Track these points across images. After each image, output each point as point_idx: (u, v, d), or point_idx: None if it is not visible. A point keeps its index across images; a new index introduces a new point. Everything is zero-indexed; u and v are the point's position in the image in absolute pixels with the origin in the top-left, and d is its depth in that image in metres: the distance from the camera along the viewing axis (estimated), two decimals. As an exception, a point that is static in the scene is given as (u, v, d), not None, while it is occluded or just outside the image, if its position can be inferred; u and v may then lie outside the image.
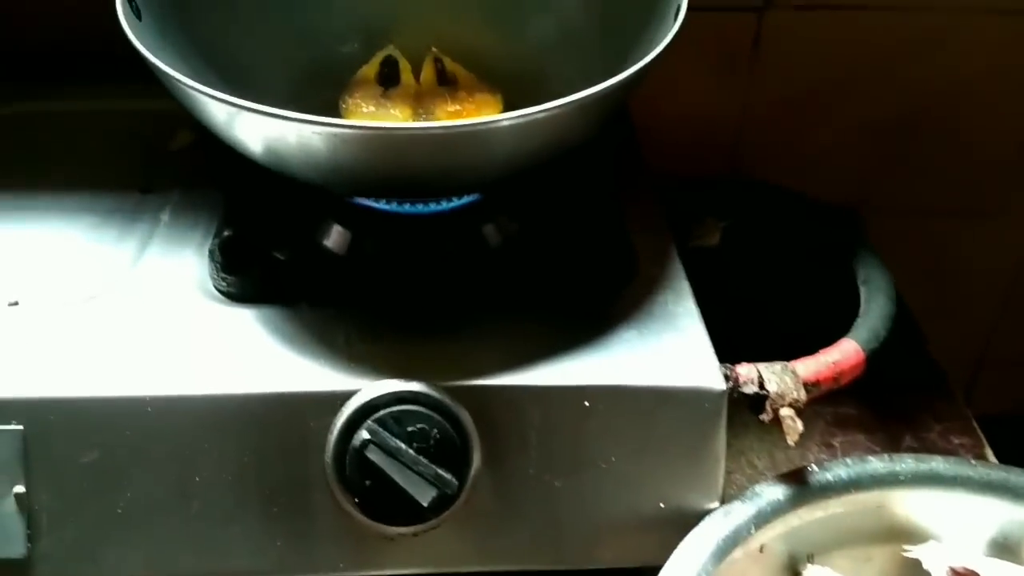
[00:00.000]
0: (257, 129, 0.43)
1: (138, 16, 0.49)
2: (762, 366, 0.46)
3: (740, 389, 0.45)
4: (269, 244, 0.50)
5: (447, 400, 0.43)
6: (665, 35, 0.49)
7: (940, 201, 0.81)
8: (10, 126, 0.63)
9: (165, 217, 0.55)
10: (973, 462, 0.47)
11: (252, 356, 0.45)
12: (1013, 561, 0.45)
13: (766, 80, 0.74)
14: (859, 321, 0.50)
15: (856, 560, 0.47)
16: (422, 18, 0.61)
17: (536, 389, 0.44)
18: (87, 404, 0.43)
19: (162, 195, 0.57)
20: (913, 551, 0.45)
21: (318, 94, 0.58)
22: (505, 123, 0.41)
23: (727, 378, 0.45)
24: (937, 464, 0.47)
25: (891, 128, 0.77)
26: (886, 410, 0.63)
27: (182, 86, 0.43)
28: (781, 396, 0.44)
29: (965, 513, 0.46)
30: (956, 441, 0.60)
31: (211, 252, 0.50)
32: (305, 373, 0.44)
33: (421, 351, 0.46)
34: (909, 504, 0.46)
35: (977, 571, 0.43)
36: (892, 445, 0.61)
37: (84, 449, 0.43)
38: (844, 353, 0.48)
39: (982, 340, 0.89)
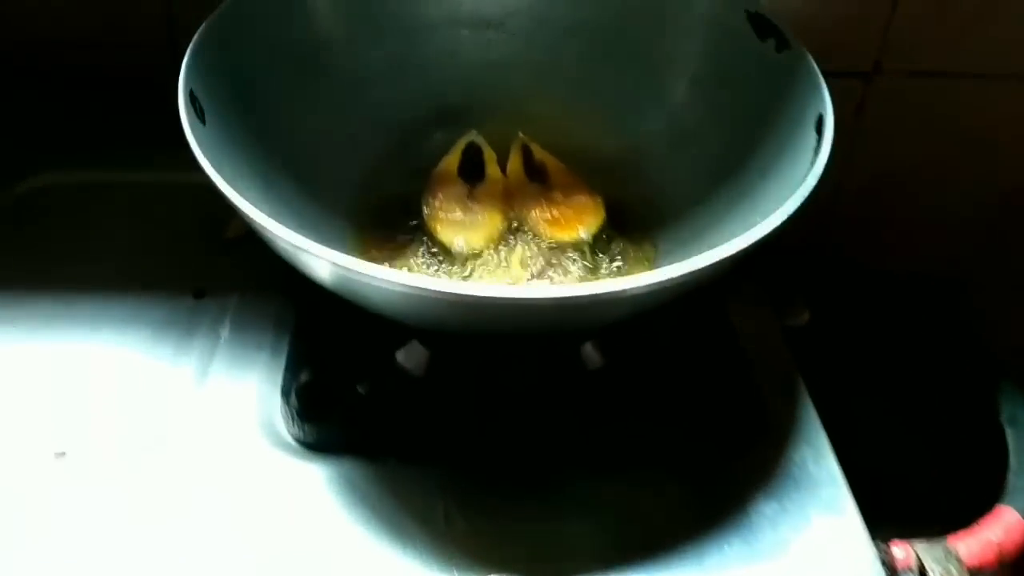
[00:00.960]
0: (333, 274, 0.37)
1: (201, 119, 0.42)
2: (920, 547, 0.41)
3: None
4: (348, 378, 0.44)
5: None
6: (796, 142, 0.43)
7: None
8: (39, 203, 0.57)
9: (225, 332, 0.49)
10: None
11: (339, 536, 0.39)
12: None
13: (867, 149, 0.67)
14: (1015, 482, 0.45)
15: None
16: (507, 100, 0.54)
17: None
18: None
19: (218, 300, 0.50)
20: None
21: (397, 179, 0.52)
22: (641, 287, 0.35)
23: (884, 563, 0.39)
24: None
25: (995, 203, 0.70)
26: None
27: (251, 218, 0.37)
28: (946, 589, 0.39)
29: None
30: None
31: (284, 393, 0.44)
32: (403, 560, 0.39)
33: (526, 534, 0.40)
34: None
35: None
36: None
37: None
38: (1007, 529, 0.42)
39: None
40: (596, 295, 0.34)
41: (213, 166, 0.39)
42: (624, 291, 0.34)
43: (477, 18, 0.55)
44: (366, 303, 0.39)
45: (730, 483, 0.42)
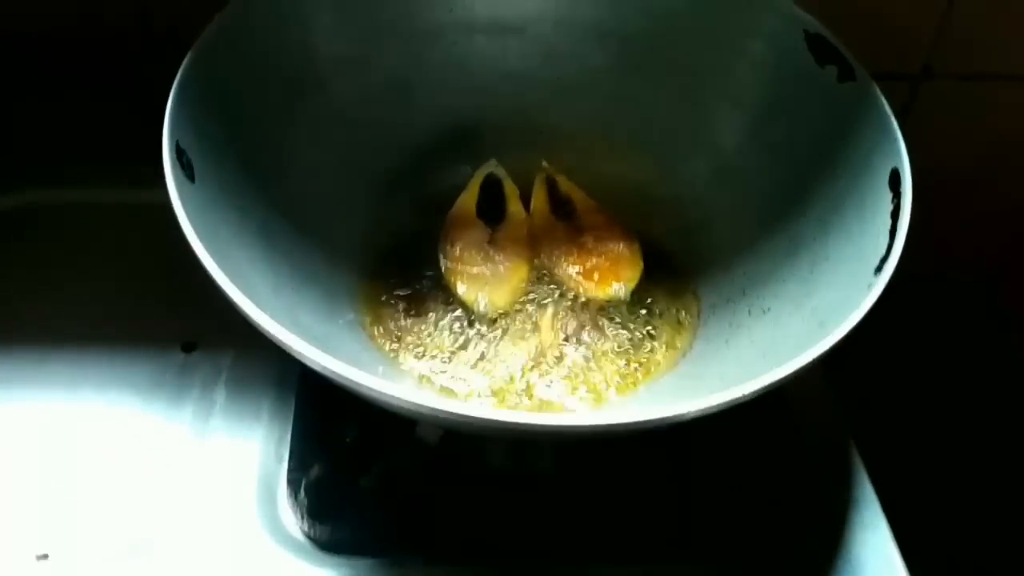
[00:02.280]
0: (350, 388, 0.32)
1: (190, 176, 0.36)
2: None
3: None
4: (361, 461, 0.40)
5: None
6: (863, 193, 0.38)
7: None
8: (8, 227, 0.51)
9: (220, 398, 0.44)
10: None
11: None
12: None
13: (911, 154, 0.63)
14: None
15: None
16: (527, 121, 0.48)
17: None
18: None
19: (211, 356, 0.45)
20: None
21: (408, 215, 0.47)
22: (686, 414, 0.30)
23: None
24: None
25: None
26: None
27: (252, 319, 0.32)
28: None
29: None
30: None
31: (291, 484, 0.39)
32: None
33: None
34: None
35: None
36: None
37: None
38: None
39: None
40: (637, 422, 0.30)
41: (204, 239, 0.33)
42: (667, 418, 0.30)
43: (493, 23, 0.48)
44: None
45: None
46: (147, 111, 0.42)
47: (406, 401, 0.30)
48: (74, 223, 0.51)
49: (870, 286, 0.34)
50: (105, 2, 0.53)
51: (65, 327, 0.46)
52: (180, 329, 0.46)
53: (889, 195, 0.37)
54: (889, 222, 0.36)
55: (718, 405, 0.30)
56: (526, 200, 0.47)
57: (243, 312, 0.32)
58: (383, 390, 0.30)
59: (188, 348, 0.46)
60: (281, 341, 0.31)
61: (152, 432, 0.42)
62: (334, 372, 0.30)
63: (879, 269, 0.34)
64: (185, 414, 0.43)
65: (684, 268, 0.45)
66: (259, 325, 0.32)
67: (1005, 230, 0.69)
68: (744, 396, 0.30)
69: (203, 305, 0.45)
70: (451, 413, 0.30)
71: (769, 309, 0.40)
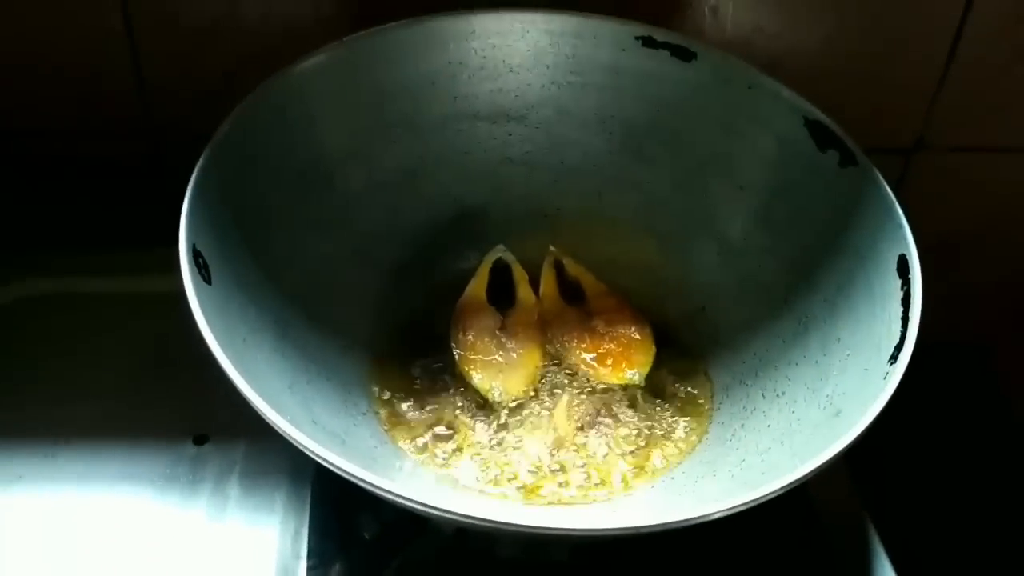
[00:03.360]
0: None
1: (207, 278, 0.37)
2: None
3: None
4: (380, 561, 0.40)
5: None
6: (869, 277, 0.39)
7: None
8: (13, 318, 0.51)
9: (234, 491, 0.43)
10: None
11: None
12: None
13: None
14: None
15: None
16: (532, 205, 0.49)
17: None
18: None
19: (223, 448, 0.45)
20: None
21: (419, 300, 0.47)
22: (711, 514, 0.30)
23: None
24: None
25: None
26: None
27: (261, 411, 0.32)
28: None
29: None
30: None
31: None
32: None
33: None
34: None
35: None
36: None
37: None
38: None
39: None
40: (662, 524, 0.30)
41: (221, 340, 0.34)
42: (692, 519, 0.30)
43: (497, 111, 0.49)
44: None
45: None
46: (150, 202, 0.42)
47: (427, 506, 0.30)
48: (80, 314, 0.51)
49: (886, 376, 0.34)
50: (106, 97, 0.54)
51: (74, 421, 0.46)
52: (192, 421, 0.46)
53: (898, 281, 0.38)
54: (900, 309, 0.37)
55: (743, 504, 0.30)
56: (535, 284, 0.48)
57: (260, 412, 0.32)
58: (402, 493, 0.30)
59: (200, 440, 0.45)
60: (298, 442, 0.31)
61: (166, 525, 0.42)
62: (351, 475, 0.30)
63: (894, 358, 0.35)
64: (199, 507, 0.43)
65: (695, 350, 0.45)
66: (276, 426, 0.32)
67: (1001, 296, 0.70)
68: (769, 494, 0.30)
69: (213, 397, 0.46)
70: (469, 516, 0.30)
71: (784, 392, 0.41)
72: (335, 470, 0.31)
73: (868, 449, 0.53)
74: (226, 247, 0.38)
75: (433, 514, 0.30)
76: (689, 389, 0.43)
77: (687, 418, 0.42)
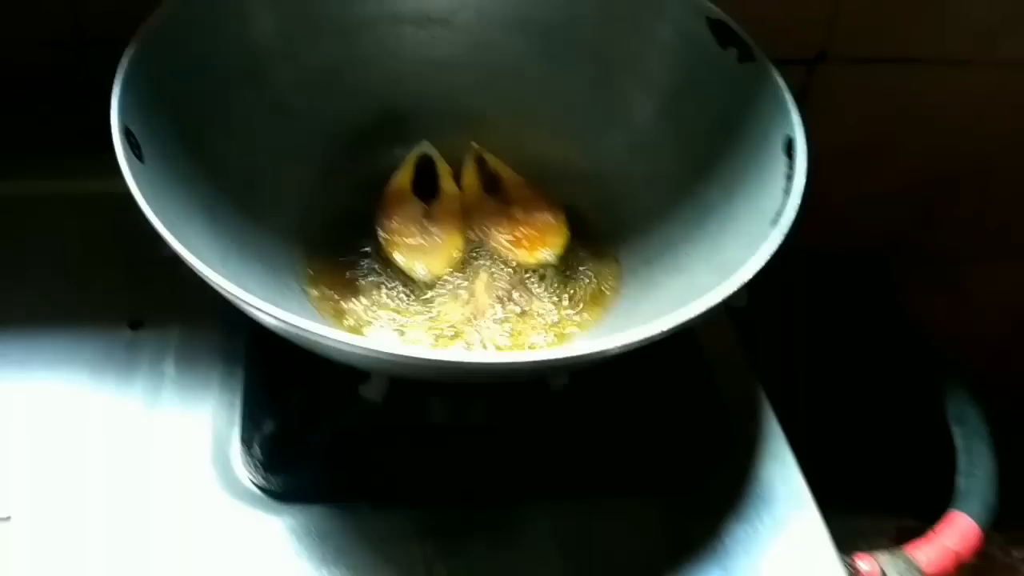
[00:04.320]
0: (296, 337, 0.35)
1: (139, 157, 0.39)
2: (883, 559, 0.42)
3: (864, 590, 0.41)
4: (310, 419, 0.42)
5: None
6: (762, 162, 0.43)
7: (965, 250, 0.78)
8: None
9: (170, 371, 0.46)
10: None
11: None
12: None
13: (807, 133, 0.68)
14: (966, 485, 0.46)
15: None
16: (456, 105, 0.52)
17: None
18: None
19: (157, 333, 0.47)
20: None
21: (346, 194, 0.50)
22: (610, 350, 0.34)
23: (850, 578, 0.41)
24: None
25: (930, 181, 0.72)
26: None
27: (200, 272, 0.34)
28: (910, 601, 0.41)
29: None
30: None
31: (245, 442, 0.42)
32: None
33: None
34: None
35: None
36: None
37: None
38: (962, 536, 0.44)
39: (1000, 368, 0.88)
40: (564, 358, 0.34)
41: (156, 211, 0.36)
42: (589, 354, 0.34)
43: (420, 14, 0.51)
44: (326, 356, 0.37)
45: (699, 504, 0.42)
46: (82, 108, 0.43)
47: (358, 347, 0.32)
48: (15, 214, 0.52)
49: (768, 236, 0.38)
50: (35, 4, 0.54)
51: (10, 308, 0.47)
52: (127, 307, 0.48)
53: (785, 160, 0.42)
54: (784, 183, 0.41)
55: (637, 342, 0.33)
56: (458, 179, 0.50)
57: (199, 272, 0.34)
58: (334, 337, 0.32)
59: (135, 325, 0.47)
60: (236, 296, 0.33)
61: (103, 408, 0.44)
62: (289, 323, 0.33)
63: (775, 222, 0.38)
64: (136, 388, 0.45)
65: (606, 236, 0.48)
66: (214, 282, 0.34)
67: (900, 205, 0.75)
68: (662, 333, 0.34)
69: (149, 284, 0.48)
70: (392, 355, 0.32)
71: (684, 268, 0.45)
72: (271, 320, 0.33)
73: (768, 337, 0.57)
74: (158, 131, 0.40)
75: (366, 356, 0.33)
76: (600, 269, 0.47)
77: (597, 294, 0.46)
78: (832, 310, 0.69)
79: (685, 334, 0.35)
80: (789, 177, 0.41)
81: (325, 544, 0.39)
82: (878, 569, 0.42)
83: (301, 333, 0.33)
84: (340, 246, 0.47)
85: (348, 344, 0.32)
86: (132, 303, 0.48)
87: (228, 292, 0.34)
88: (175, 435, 0.43)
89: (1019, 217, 0.76)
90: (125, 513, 0.40)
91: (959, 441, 0.49)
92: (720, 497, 0.43)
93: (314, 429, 0.42)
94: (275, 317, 0.33)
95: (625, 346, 0.33)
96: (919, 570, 0.42)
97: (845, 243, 0.72)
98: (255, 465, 0.41)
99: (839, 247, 0.70)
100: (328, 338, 0.32)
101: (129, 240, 0.49)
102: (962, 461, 0.48)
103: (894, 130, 0.69)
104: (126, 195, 0.36)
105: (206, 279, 0.34)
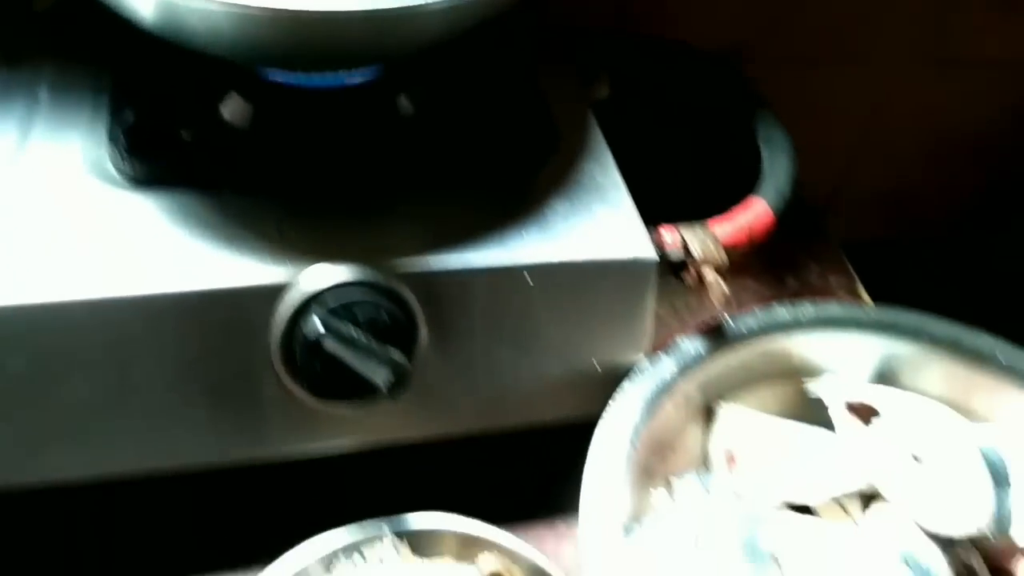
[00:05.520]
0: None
1: None
2: (685, 230, 0.49)
3: (666, 254, 0.48)
4: (174, 124, 0.47)
5: (394, 284, 0.43)
6: None
7: (810, 50, 0.84)
8: None
9: (44, 95, 0.49)
10: (862, 306, 0.53)
11: (181, 250, 0.43)
12: (893, 386, 0.52)
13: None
14: (765, 181, 0.54)
15: (762, 398, 0.52)
16: None
17: (481, 271, 0.44)
18: (6, 314, 0.41)
19: (32, 67, 0.51)
20: (812, 385, 0.51)
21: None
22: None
23: (655, 244, 0.47)
24: (833, 309, 0.52)
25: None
26: (771, 255, 0.68)
27: None
28: (705, 259, 0.47)
29: (855, 349, 0.52)
30: (832, 279, 0.67)
31: (111, 138, 0.46)
32: (244, 265, 0.43)
33: (356, 235, 0.45)
34: (808, 345, 0.52)
35: (868, 403, 0.49)
36: (777, 287, 0.66)
37: (8, 359, 0.41)
38: (756, 214, 0.51)
39: (841, 175, 0.96)
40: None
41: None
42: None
43: None
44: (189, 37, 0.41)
45: (530, 191, 0.48)
46: None
47: None
48: None
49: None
50: None
51: None
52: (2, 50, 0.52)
53: None
54: None
55: None
56: None
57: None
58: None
59: (10, 61, 0.51)
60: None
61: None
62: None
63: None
64: (17, 108, 0.48)
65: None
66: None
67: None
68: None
69: (23, 28, 0.52)
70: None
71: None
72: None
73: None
74: None
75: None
76: None
77: None
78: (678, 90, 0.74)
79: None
80: None
81: (187, 220, 0.44)
82: (680, 239, 0.48)
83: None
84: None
85: None
86: (8, 44, 0.52)
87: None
88: (55, 141, 0.47)
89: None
90: (12, 203, 0.44)
91: (764, 153, 0.56)
92: (547, 184, 0.49)
93: (176, 131, 0.46)
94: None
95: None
96: (715, 238, 0.49)
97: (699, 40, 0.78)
98: (120, 154, 0.45)
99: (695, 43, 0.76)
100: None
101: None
102: (765, 165, 0.55)
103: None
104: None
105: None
